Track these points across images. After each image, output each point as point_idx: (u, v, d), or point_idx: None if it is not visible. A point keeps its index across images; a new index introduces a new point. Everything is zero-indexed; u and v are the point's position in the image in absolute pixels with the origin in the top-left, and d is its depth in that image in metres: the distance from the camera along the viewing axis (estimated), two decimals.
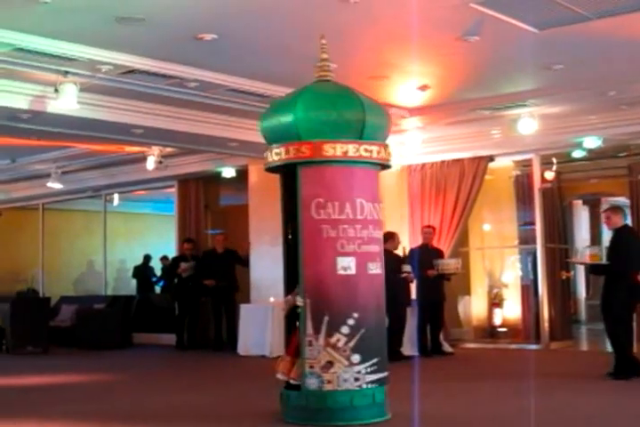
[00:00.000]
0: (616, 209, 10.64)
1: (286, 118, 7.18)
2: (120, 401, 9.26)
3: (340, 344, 6.97)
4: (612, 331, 10.07)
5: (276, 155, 7.19)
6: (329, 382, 6.94)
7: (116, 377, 11.84)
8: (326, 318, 6.97)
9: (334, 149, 7.08)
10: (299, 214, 7.09)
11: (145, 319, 17.53)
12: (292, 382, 7.14)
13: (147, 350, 16.14)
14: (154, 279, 20.25)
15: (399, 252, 13.12)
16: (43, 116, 10.99)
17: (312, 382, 6.96)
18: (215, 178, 16.90)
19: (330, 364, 6.94)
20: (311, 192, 7.09)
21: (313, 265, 7.03)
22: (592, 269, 10.90)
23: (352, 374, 6.98)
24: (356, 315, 7.04)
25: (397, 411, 7.29)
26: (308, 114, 7.13)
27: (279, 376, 7.29)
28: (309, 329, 6.98)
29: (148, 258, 20.59)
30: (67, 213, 21.69)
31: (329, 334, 6.96)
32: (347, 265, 7.04)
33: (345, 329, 6.98)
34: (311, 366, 6.96)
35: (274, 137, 7.32)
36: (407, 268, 12.85)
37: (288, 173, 7.38)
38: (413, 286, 13.44)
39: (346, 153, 7.11)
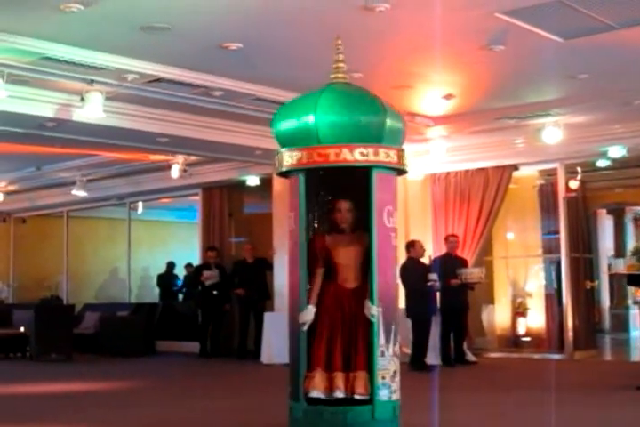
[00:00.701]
0: None
1: (375, 119, 6.86)
2: (141, 409, 9.25)
3: (398, 353, 6.91)
4: None
5: (362, 155, 6.72)
6: (395, 391, 6.85)
7: (139, 385, 11.87)
8: (393, 327, 6.88)
9: (406, 159, 7.02)
10: (373, 221, 6.78)
11: (168, 327, 17.55)
12: (357, 397, 6.71)
13: (170, 357, 16.17)
14: (178, 286, 20.30)
15: (425, 260, 13.09)
16: (68, 124, 11.06)
17: (384, 394, 6.76)
18: (239, 186, 16.94)
19: (395, 373, 6.84)
20: (384, 199, 6.86)
21: (383, 273, 6.82)
22: (630, 280, 10.71)
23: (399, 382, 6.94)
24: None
25: (418, 422, 7.24)
26: (393, 119, 6.92)
27: (315, 394, 6.76)
28: (382, 339, 6.84)
29: (171, 266, 20.61)
30: (91, 220, 21.78)
31: (395, 343, 6.86)
32: (397, 274, 7.04)
33: (399, 338, 6.92)
34: (383, 377, 6.80)
35: (351, 136, 6.81)
36: (433, 276, 12.78)
37: (330, 177, 7.11)
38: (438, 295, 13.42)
39: (405, 162, 7.09)
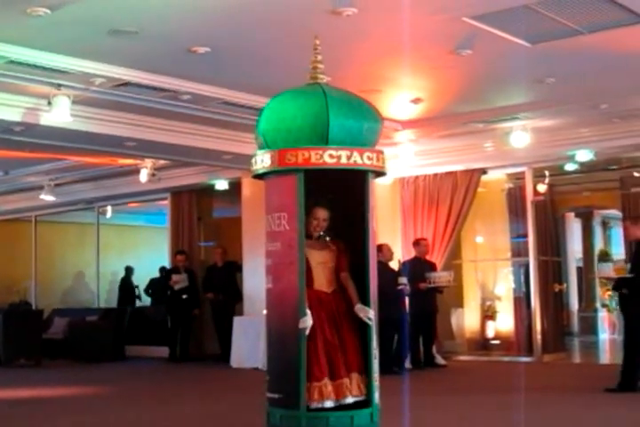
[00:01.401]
0: (636, 220, 10.51)
1: (375, 125, 6.93)
2: (112, 414, 9.21)
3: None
4: (629, 344, 9.97)
5: (368, 159, 6.72)
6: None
7: (108, 390, 11.79)
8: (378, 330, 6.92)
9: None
10: (367, 225, 6.80)
11: (138, 332, 17.47)
12: (353, 399, 6.71)
13: (139, 362, 16.10)
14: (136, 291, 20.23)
15: (394, 264, 13.07)
16: (36, 128, 10.99)
17: (377, 396, 6.82)
18: (208, 190, 16.91)
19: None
20: (373, 204, 6.92)
21: (373, 277, 6.85)
22: (616, 284, 10.63)
23: None
24: None
25: (389, 425, 7.23)
26: (378, 123, 6.99)
27: (329, 404, 6.67)
28: (375, 343, 6.87)
29: (129, 270, 20.49)
30: (59, 225, 21.66)
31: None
32: None
33: None
34: (376, 380, 6.82)
35: (353, 140, 6.74)
36: (403, 280, 12.79)
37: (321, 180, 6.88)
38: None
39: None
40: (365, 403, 6.74)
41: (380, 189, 14.68)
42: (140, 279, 20.08)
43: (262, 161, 6.82)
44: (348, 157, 6.63)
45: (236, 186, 15.89)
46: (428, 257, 14.04)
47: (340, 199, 7.04)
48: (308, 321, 6.62)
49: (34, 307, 19.73)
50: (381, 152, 6.87)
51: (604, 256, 19.93)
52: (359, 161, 6.69)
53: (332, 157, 6.61)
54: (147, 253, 21.26)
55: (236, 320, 14.52)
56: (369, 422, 6.70)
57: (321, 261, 6.98)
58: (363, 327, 6.82)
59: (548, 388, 10.43)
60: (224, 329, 15.28)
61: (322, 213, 6.98)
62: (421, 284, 13.27)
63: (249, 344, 13.76)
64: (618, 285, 10.39)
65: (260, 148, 6.92)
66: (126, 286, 20.34)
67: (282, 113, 6.88)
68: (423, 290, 13.29)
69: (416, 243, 14.05)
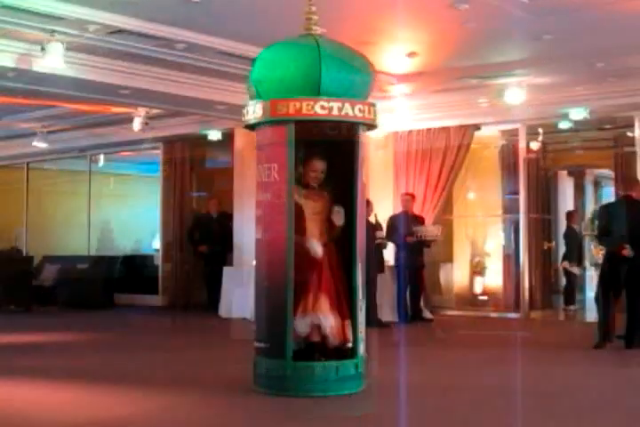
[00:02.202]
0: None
1: (367, 77, 6.97)
2: (95, 360, 9.27)
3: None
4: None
5: (360, 111, 6.75)
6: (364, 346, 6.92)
7: (95, 337, 11.87)
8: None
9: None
10: (357, 179, 6.83)
11: (129, 280, 17.52)
12: (349, 345, 6.85)
13: (129, 310, 16.16)
14: None
15: (371, 218, 13.08)
16: (29, 74, 10.91)
17: (362, 347, 6.87)
18: (201, 140, 16.86)
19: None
20: (365, 156, 6.97)
21: (361, 230, 6.90)
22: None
23: None
24: None
25: (373, 378, 7.28)
26: (370, 76, 7.02)
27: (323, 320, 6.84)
28: (360, 294, 6.91)
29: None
30: (52, 172, 21.63)
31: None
32: None
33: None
34: (361, 331, 6.87)
35: (346, 92, 6.75)
36: (380, 234, 12.85)
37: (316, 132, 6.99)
38: (391, 253, 13.54)
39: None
40: (350, 353, 6.81)
41: (374, 143, 14.69)
42: (132, 227, 20.11)
43: (254, 111, 6.83)
44: (340, 109, 6.65)
45: (228, 136, 15.85)
46: (418, 211, 14.06)
47: (331, 152, 7.05)
48: (318, 246, 6.88)
49: (25, 254, 19.75)
50: (373, 105, 6.87)
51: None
52: (350, 113, 6.71)
53: (324, 108, 6.62)
54: (139, 202, 21.22)
55: (226, 271, 14.56)
56: (354, 372, 6.77)
57: (317, 212, 7.03)
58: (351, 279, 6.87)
59: (534, 344, 10.49)
60: (215, 279, 15.35)
61: (320, 165, 7.04)
62: (408, 237, 13.31)
63: (238, 295, 13.80)
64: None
65: (252, 98, 6.91)
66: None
67: (275, 63, 6.87)
68: (410, 243, 13.32)
69: (400, 197, 14.12)
